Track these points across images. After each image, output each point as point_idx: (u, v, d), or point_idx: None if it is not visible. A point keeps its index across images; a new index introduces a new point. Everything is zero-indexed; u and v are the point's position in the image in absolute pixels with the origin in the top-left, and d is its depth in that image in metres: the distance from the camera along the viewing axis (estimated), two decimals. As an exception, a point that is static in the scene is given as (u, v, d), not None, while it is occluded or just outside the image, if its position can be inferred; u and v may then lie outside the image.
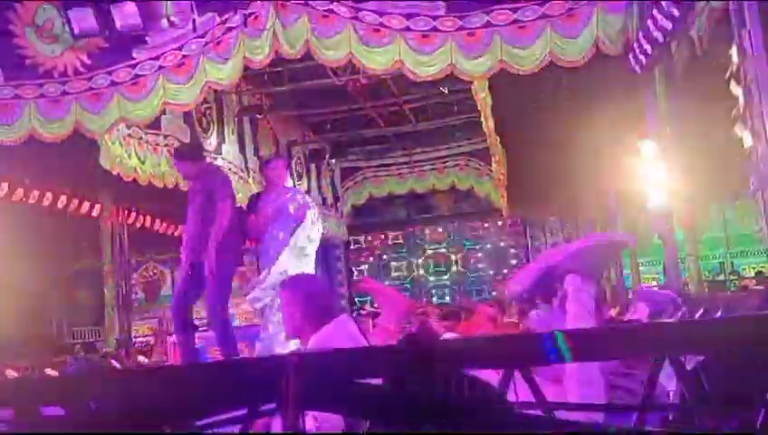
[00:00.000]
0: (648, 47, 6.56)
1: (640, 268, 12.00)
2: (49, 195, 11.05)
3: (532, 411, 1.58)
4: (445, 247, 18.06)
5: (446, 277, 18.01)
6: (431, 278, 18.02)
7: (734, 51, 5.27)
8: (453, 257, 17.94)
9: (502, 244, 17.76)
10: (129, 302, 12.83)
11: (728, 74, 5.42)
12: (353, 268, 18.23)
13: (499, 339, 2.08)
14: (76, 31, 7.19)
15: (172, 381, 1.78)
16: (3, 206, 10.40)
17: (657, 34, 6.23)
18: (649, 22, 6.22)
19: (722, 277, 15.49)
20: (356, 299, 17.82)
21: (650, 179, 8.21)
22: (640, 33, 6.52)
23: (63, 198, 11.34)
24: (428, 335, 1.72)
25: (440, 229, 18.09)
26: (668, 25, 6.00)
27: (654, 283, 14.72)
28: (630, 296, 10.69)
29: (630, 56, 6.98)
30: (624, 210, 11.12)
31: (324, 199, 15.60)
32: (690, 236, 7.57)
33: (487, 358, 1.64)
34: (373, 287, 3.59)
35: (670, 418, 1.62)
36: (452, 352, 1.66)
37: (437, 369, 1.61)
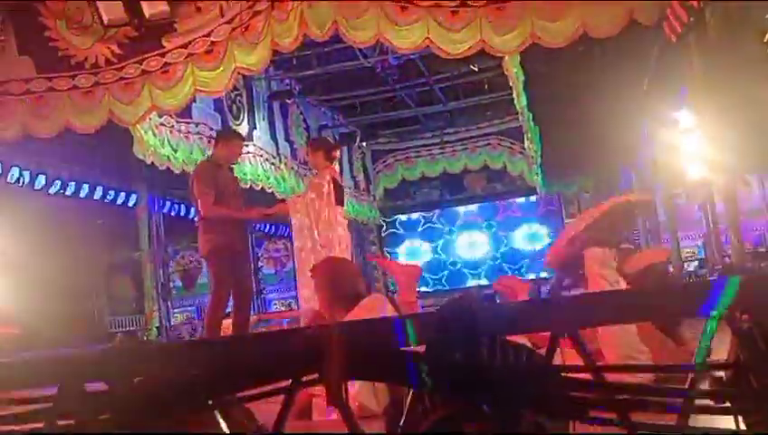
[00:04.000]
0: (683, 14, 6.40)
1: (680, 242, 11.80)
2: (85, 186, 11.19)
3: (580, 375, 1.55)
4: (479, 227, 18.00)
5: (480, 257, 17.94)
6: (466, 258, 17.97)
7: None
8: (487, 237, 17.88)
9: (537, 222, 17.64)
10: (167, 290, 12.97)
11: (766, 38, 5.28)
12: (388, 251, 18.24)
13: (544, 301, 2.03)
14: (106, 21, 7.23)
15: (215, 354, 1.77)
16: (41, 198, 10.55)
17: (693, 2, 6.07)
18: (684, -12, 6.06)
19: (763, 249, 15.19)
20: (390, 282, 17.84)
21: (688, 151, 8.08)
22: (675, 1, 6.36)
23: (100, 189, 11.47)
24: (471, 301, 1.69)
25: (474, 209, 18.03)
26: (704, -9, 5.84)
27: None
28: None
29: (665, 25, 6.82)
30: (662, 183, 10.94)
31: (356, 183, 15.59)
32: (730, 208, 7.41)
33: (532, 322, 1.61)
34: (383, 263, 3.74)
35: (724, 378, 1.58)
36: (495, 318, 1.63)
37: (481, 334, 1.58)
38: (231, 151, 6.99)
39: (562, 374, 1.58)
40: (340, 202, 7.18)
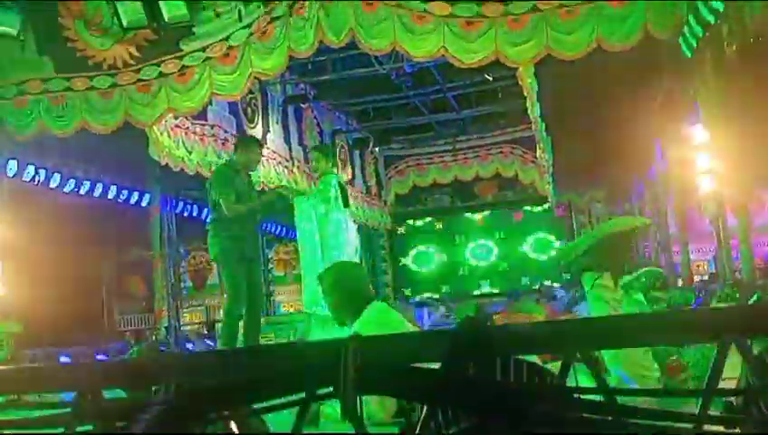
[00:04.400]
0: (698, 30, 6.41)
1: (691, 256, 11.78)
2: (100, 185, 11.28)
3: (592, 397, 1.57)
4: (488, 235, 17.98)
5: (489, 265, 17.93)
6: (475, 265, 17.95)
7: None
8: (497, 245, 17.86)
9: (547, 231, 17.62)
10: (178, 290, 13.02)
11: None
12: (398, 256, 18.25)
13: (558, 323, 2.06)
14: (125, 23, 7.29)
15: (231, 365, 1.80)
16: (54, 196, 10.63)
17: (709, 17, 6.09)
18: (700, 4, 6.08)
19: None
20: (401, 287, 17.91)
21: (701, 166, 8.08)
22: (691, 16, 6.37)
23: (114, 189, 11.56)
24: (486, 320, 1.71)
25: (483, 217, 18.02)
26: (720, 7, 5.86)
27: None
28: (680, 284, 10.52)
29: (680, 40, 6.83)
30: (674, 197, 10.92)
31: (368, 188, 15.62)
32: (742, 223, 7.40)
33: (547, 342, 1.63)
34: None
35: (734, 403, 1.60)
36: (510, 337, 1.65)
37: (495, 353, 1.60)
38: (250, 158, 7.00)
39: (574, 395, 1.60)
40: (346, 205, 7.22)
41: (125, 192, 11.79)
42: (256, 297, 6.77)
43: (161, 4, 7.13)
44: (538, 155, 13.47)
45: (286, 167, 11.64)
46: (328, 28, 7.21)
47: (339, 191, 7.15)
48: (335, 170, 7.46)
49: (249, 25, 7.32)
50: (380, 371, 1.64)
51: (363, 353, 1.64)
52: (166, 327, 11.76)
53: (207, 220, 6.96)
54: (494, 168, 16.29)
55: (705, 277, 13.47)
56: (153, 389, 1.85)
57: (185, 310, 14.83)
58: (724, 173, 7.15)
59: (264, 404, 1.77)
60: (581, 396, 1.58)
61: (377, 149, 15.91)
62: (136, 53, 7.51)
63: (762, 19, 5.64)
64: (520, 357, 1.69)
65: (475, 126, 15.54)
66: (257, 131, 10.95)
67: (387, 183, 16.81)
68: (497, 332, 1.65)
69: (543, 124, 11.30)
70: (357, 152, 15.10)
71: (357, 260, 7.25)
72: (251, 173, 7.24)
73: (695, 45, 6.76)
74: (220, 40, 7.39)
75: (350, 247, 7.12)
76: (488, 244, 17.95)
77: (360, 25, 7.16)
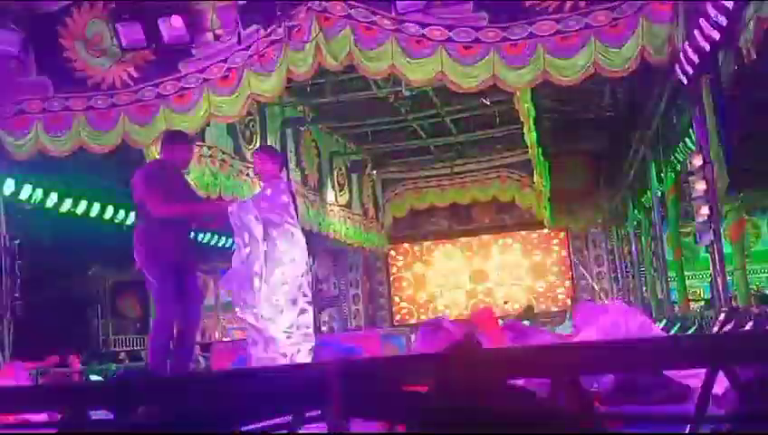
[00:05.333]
0: (694, 57, 6.45)
1: (687, 282, 11.75)
2: (96, 205, 11.26)
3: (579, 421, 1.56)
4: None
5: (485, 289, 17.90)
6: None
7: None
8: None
9: (544, 256, 17.61)
10: (172, 311, 12.93)
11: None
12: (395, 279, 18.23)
13: (545, 348, 2.05)
14: (124, 44, 7.33)
15: (218, 388, 1.79)
16: (51, 216, 10.62)
17: (704, 44, 6.12)
18: (696, 32, 6.11)
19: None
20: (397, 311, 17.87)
21: (697, 192, 8.07)
22: (687, 44, 6.42)
23: (110, 208, 11.55)
24: (474, 344, 1.70)
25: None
26: (716, 35, 5.89)
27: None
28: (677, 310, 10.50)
29: (677, 67, 6.87)
30: (670, 221, 10.93)
31: (365, 211, 15.63)
32: (738, 250, 7.41)
33: (534, 367, 1.62)
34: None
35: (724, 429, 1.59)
36: (497, 361, 1.64)
37: (483, 377, 1.59)
38: (177, 156, 5.81)
39: (562, 420, 1.59)
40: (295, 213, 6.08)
41: (122, 211, 11.77)
42: (190, 309, 5.65)
43: (161, 25, 7.17)
44: (535, 180, 13.50)
45: (284, 188, 11.62)
46: (327, 51, 7.25)
47: (290, 198, 6.01)
48: (284, 176, 6.14)
49: (248, 48, 7.36)
50: (367, 394, 1.63)
51: (351, 376, 1.63)
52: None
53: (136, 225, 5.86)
54: (491, 192, 16.30)
55: (702, 303, 13.45)
56: (139, 410, 1.84)
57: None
58: (719, 200, 7.16)
59: (252, 427, 1.76)
60: (569, 421, 1.57)
61: (374, 172, 15.93)
62: (135, 74, 7.55)
63: (757, 46, 5.68)
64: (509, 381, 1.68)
65: (473, 150, 15.55)
66: (255, 153, 10.94)
67: (384, 206, 16.81)
68: (485, 355, 1.64)
69: (540, 149, 11.35)
70: (354, 175, 15.12)
71: (307, 277, 6.01)
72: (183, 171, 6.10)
73: (690, 72, 6.80)
74: (219, 62, 7.44)
75: (299, 265, 5.89)
76: (485, 267, 17.91)
77: (358, 49, 7.20)
